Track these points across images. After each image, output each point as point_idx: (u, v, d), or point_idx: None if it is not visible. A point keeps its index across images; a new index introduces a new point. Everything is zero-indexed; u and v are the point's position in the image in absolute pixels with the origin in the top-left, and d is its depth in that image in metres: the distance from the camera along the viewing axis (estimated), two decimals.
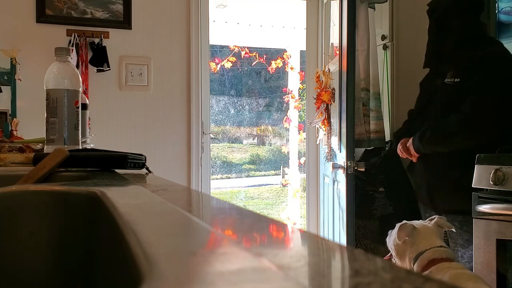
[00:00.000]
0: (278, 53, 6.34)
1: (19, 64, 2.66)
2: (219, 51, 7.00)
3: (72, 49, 2.76)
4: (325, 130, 3.18)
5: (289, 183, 6.52)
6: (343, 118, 2.71)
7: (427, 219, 2.01)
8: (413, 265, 1.87)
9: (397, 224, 2.01)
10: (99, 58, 2.86)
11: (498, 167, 1.87)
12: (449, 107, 2.18)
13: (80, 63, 2.81)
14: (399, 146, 2.38)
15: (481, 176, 1.95)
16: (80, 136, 1.23)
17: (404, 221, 1.98)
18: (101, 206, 0.51)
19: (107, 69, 2.88)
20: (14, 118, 2.55)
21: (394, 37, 3.11)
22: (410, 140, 2.30)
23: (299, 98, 6.06)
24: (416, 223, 1.97)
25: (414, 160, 2.32)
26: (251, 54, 6.28)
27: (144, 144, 2.97)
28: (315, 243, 0.32)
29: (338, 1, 2.89)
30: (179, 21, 3.05)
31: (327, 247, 0.31)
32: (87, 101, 1.78)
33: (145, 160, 1.00)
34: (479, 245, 1.90)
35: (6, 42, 2.73)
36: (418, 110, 2.44)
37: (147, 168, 1.00)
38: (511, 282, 1.84)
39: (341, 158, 2.75)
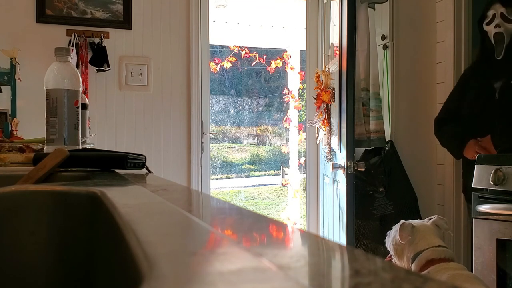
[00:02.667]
0: (278, 53, 6.35)
1: (19, 64, 2.66)
2: (219, 51, 7.00)
3: (72, 49, 2.75)
4: (325, 130, 3.18)
5: (289, 183, 6.52)
6: (343, 118, 2.71)
7: (426, 218, 2.01)
8: (411, 264, 1.87)
9: (395, 225, 2.02)
10: (99, 58, 2.86)
11: (498, 167, 1.87)
12: None
13: (80, 63, 2.81)
14: (474, 148, 2.24)
15: (481, 176, 1.95)
16: (80, 136, 1.23)
17: (402, 221, 1.99)
18: (101, 206, 0.51)
19: (107, 69, 2.88)
20: (14, 118, 2.55)
21: (394, 37, 3.11)
22: (488, 139, 2.20)
23: (299, 98, 6.07)
24: (414, 222, 1.98)
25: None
26: (251, 54, 6.29)
27: (144, 144, 2.97)
28: (315, 243, 0.32)
29: (338, 1, 2.89)
30: (179, 21, 3.05)
31: (327, 247, 0.31)
32: (87, 101, 1.78)
33: (145, 160, 1.00)
34: (479, 245, 1.90)
35: (6, 42, 2.73)
36: (472, 111, 2.34)
37: (147, 168, 1.00)
38: (511, 282, 1.83)
39: (341, 158, 2.75)
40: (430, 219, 1.96)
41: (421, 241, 1.87)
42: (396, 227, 1.99)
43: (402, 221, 2.00)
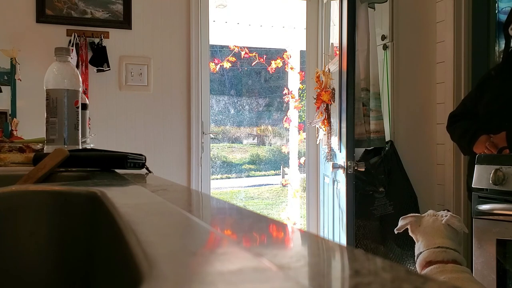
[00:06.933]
0: (278, 53, 6.34)
1: (19, 64, 2.66)
2: (219, 51, 7.00)
3: (72, 49, 2.75)
4: (325, 130, 3.18)
5: (289, 183, 6.52)
6: (343, 118, 2.71)
7: (443, 211, 2.01)
8: (416, 264, 1.89)
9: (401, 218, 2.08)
10: (99, 58, 2.86)
11: (498, 167, 1.87)
12: None
13: (80, 63, 2.81)
14: (485, 143, 2.21)
15: (481, 176, 1.95)
16: (80, 136, 1.23)
17: (411, 214, 2.01)
18: (101, 206, 0.51)
19: (107, 69, 2.88)
20: (14, 118, 2.55)
21: (394, 37, 3.11)
22: (502, 135, 2.17)
23: (299, 98, 6.07)
24: (426, 218, 1.97)
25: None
26: (251, 54, 6.28)
27: (144, 144, 2.97)
28: (315, 243, 0.32)
29: (338, 1, 2.89)
30: (179, 21, 3.05)
31: (327, 247, 0.31)
32: (87, 101, 1.78)
33: (145, 160, 1.00)
34: (479, 245, 1.90)
35: (6, 42, 2.73)
36: (490, 109, 2.32)
37: (147, 168, 1.00)
38: (511, 282, 1.83)
39: (341, 158, 2.75)
40: (445, 215, 1.95)
41: (424, 241, 1.88)
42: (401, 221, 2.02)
43: (411, 214, 2.01)
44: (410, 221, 1.97)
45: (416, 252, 1.92)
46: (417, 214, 2.03)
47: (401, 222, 2.01)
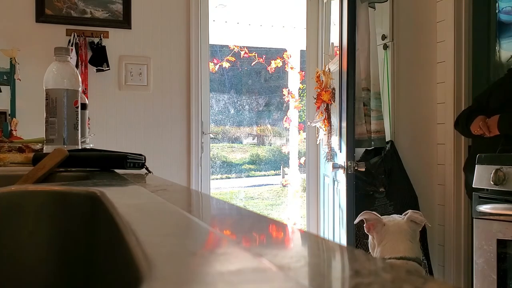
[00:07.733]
0: (278, 53, 6.34)
1: (18, 64, 2.66)
2: (218, 51, 7.00)
3: (72, 49, 2.75)
4: (325, 130, 3.18)
5: (289, 183, 6.52)
6: (343, 118, 2.71)
7: (402, 215, 2.06)
8: None
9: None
10: (99, 58, 2.86)
11: (499, 167, 1.87)
12: None
13: (79, 63, 2.81)
14: (479, 122, 2.27)
15: (482, 176, 1.95)
16: (79, 136, 1.23)
17: (366, 211, 2.06)
18: (101, 206, 0.51)
19: (107, 69, 2.87)
20: (14, 118, 2.55)
21: (394, 37, 3.11)
22: (495, 118, 2.21)
23: (299, 98, 6.07)
24: (389, 218, 2.02)
25: (488, 135, 2.26)
26: (250, 54, 6.28)
27: (144, 144, 2.97)
28: (315, 243, 0.32)
29: (338, 1, 2.89)
30: (179, 21, 3.05)
31: (327, 247, 0.31)
32: (87, 101, 1.78)
33: (145, 160, 1.00)
34: (479, 245, 1.90)
35: (6, 42, 2.73)
36: (495, 102, 2.35)
37: (146, 168, 1.00)
38: (511, 282, 1.83)
39: (341, 158, 2.75)
40: (405, 215, 2.01)
41: (388, 246, 1.92)
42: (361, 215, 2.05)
43: (373, 212, 2.05)
44: (375, 219, 2.01)
45: (375, 255, 1.94)
46: (377, 214, 2.07)
47: (364, 216, 2.05)
